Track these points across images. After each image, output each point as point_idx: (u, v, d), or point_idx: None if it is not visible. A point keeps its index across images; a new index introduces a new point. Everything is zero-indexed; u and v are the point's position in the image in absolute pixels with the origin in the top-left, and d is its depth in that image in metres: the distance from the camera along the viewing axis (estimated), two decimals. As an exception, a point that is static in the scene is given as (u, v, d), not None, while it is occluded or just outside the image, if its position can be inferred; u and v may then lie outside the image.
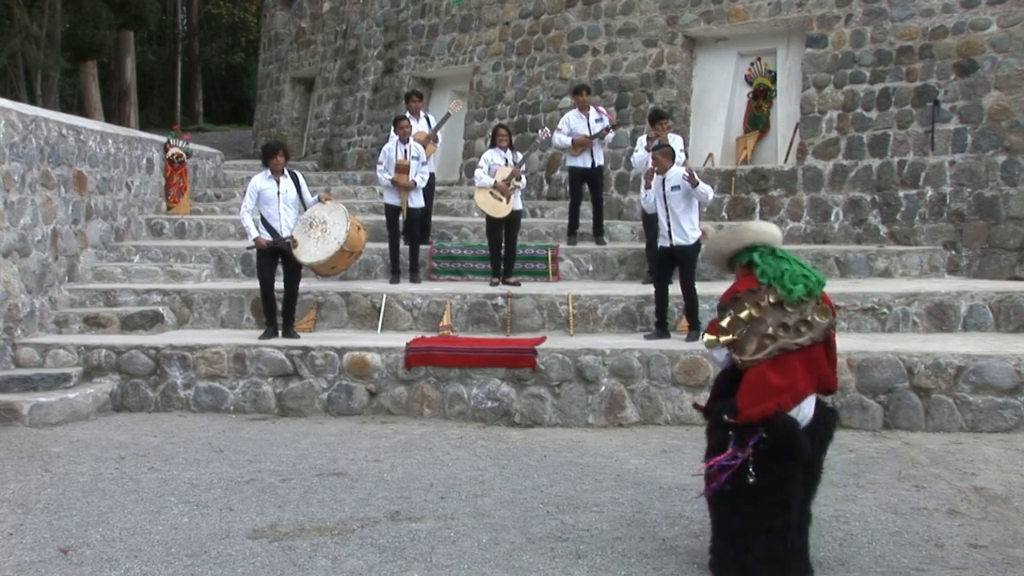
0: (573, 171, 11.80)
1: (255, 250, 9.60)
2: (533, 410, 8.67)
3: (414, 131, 11.83)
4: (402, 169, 10.79)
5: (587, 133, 11.43)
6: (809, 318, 4.93)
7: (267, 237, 9.38)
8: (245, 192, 9.72)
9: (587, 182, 11.80)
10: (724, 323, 4.98)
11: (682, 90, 13.44)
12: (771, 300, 4.96)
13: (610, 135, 11.78)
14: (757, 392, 4.83)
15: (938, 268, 11.00)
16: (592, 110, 11.59)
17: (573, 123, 11.58)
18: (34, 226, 9.79)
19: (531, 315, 9.96)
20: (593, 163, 11.63)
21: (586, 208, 12.06)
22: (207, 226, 13.07)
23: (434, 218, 12.37)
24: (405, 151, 10.91)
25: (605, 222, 12.93)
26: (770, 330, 4.91)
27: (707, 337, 5.06)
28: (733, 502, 4.85)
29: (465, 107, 15.22)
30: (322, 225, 9.66)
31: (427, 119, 12.25)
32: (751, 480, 4.74)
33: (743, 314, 4.95)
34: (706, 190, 9.05)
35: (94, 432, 8.28)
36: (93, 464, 7.18)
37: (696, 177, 9.00)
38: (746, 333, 4.93)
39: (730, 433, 4.85)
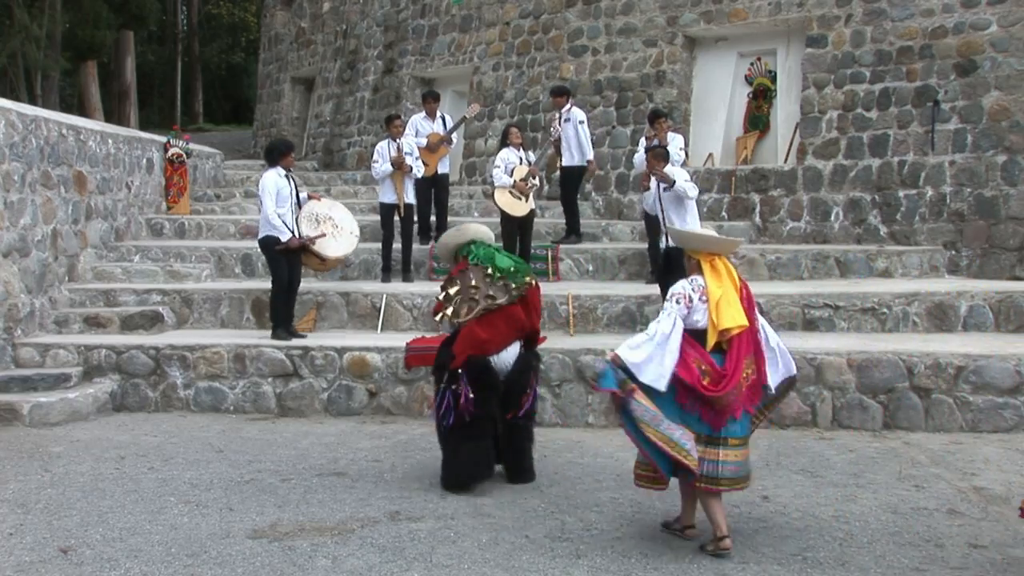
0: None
1: (270, 250, 9.35)
2: (533, 410, 8.65)
3: (429, 132, 11.88)
4: (398, 164, 10.85)
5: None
6: (504, 291, 6.52)
7: (296, 236, 9.31)
8: (264, 192, 9.24)
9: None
10: (441, 297, 6.68)
11: (682, 90, 13.44)
12: (476, 275, 6.55)
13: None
14: (467, 343, 6.46)
15: (938, 268, 11.00)
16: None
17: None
18: (34, 226, 9.79)
19: (531, 315, 9.94)
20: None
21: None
22: (207, 226, 13.06)
23: (435, 218, 12.33)
24: (399, 147, 10.96)
25: (605, 222, 12.94)
26: (475, 297, 6.49)
27: (439, 314, 6.77)
28: (452, 422, 6.42)
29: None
30: (329, 220, 9.70)
31: (443, 120, 12.25)
32: (470, 396, 6.33)
33: (452, 290, 6.61)
34: (684, 187, 8.92)
35: (94, 432, 8.27)
36: (93, 464, 7.18)
37: (668, 176, 8.91)
38: (459, 302, 6.54)
39: (447, 374, 6.49)
